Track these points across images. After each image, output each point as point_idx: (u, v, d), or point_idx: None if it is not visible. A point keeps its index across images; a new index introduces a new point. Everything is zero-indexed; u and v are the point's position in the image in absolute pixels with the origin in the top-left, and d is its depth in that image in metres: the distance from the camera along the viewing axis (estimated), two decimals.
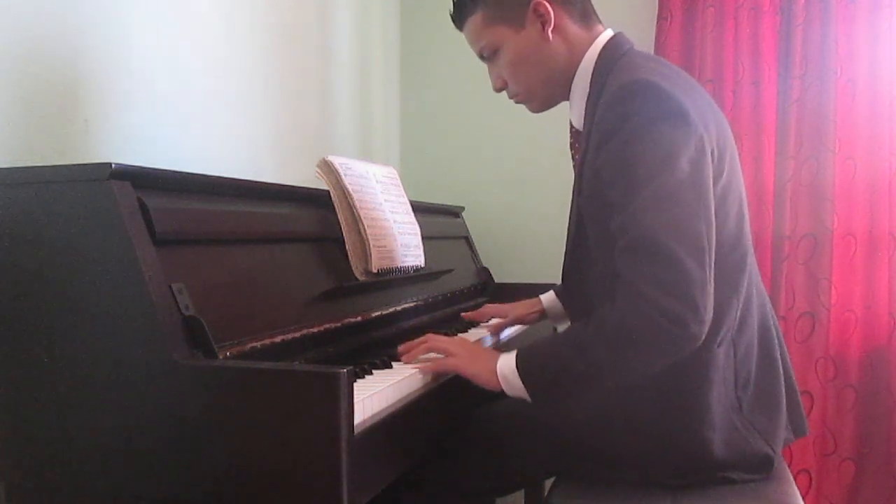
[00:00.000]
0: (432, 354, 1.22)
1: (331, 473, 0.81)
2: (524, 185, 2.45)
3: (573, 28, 1.24)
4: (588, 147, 1.16)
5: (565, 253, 1.31)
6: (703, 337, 1.03)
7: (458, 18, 1.29)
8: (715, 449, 1.14)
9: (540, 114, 1.35)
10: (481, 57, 1.31)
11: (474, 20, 1.26)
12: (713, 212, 1.08)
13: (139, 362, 0.88)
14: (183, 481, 0.88)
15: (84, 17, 1.26)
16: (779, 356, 1.25)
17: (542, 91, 1.29)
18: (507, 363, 1.12)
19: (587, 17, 1.26)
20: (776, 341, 1.26)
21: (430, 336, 1.24)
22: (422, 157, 2.57)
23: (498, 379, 1.12)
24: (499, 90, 1.32)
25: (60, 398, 0.93)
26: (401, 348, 1.23)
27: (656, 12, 2.24)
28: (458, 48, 2.49)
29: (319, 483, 0.82)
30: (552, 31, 1.22)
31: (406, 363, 1.20)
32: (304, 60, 1.96)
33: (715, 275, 1.08)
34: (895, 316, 2.08)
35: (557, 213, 2.16)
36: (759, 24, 2.15)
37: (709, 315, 1.02)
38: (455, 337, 1.37)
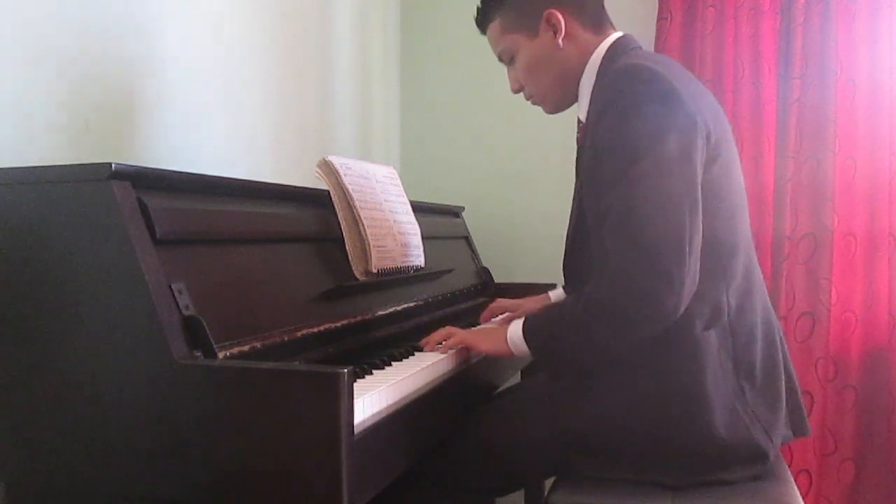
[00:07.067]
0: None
1: (331, 473, 0.81)
2: (524, 184, 2.45)
3: (584, 35, 1.30)
4: (587, 132, 1.21)
5: (566, 237, 1.34)
6: (681, 310, 1.09)
7: (481, 24, 1.39)
8: (715, 437, 1.15)
9: (539, 114, 1.40)
10: (500, 59, 1.38)
11: (494, 27, 1.36)
12: (699, 192, 1.12)
13: (139, 362, 0.88)
14: (183, 481, 0.88)
15: (84, 18, 1.27)
16: (780, 357, 1.26)
17: (555, 93, 1.35)
18: (515, 331, 1.25)
19: (599, 24, 1.32)
20: (778, 341, 1.27)
21: (448, 329, 1.34)
22: (422, 157, 2.57)
23: (509, 346, 1.25)
24: (516, 92, 1.40)
25: (60, 398, 0.93)
26: (423, 342, 1.34)
27: (656, 12, 2.24)
28: (458, 48, 2.53)
29: (319, 483, 0.82)
30: (563, 39, 1.29)
31: (429, 351, 1.32)
32: (304, 60, 1.96)
33: (702, 251, 1.12)
34: (895, 316, 2.08)
35: (558, 212, 2.16)
36: (759, 24, 2.15)
37: (687, 289, 1.08)
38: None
